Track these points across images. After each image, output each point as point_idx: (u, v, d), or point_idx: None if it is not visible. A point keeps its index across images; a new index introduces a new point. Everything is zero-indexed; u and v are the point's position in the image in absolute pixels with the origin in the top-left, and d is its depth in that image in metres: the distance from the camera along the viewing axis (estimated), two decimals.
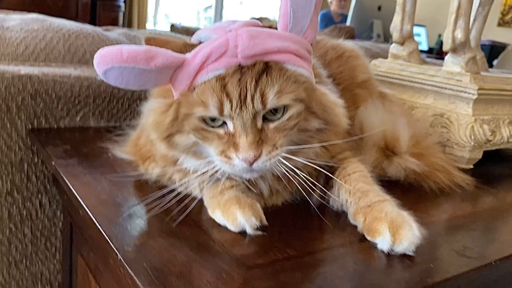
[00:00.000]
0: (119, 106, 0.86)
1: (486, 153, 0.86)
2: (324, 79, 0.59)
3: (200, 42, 0.49)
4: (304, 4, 0.47)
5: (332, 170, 0.58)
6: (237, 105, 0.45)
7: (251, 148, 0.46)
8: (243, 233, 0.49)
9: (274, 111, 0.47)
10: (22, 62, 0.82)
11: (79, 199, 0.53)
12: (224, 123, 0.47)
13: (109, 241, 0.44)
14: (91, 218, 0.48)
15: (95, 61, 0.44)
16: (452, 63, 0.89)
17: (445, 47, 0.88)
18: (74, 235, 0.76)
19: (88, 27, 0.94)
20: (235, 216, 0.48)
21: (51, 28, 0.89)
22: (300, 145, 0.50)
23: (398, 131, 0.70)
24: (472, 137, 0.82)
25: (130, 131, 0.69)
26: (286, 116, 0.47)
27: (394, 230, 0.48)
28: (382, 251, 0.48)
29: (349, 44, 0.79)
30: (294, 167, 0.50)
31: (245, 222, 0.48)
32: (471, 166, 0.85)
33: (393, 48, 1.01)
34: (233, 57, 0.45)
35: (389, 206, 0.51)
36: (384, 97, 0.84)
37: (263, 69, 0.46)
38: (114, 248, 0.43)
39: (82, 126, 0.83)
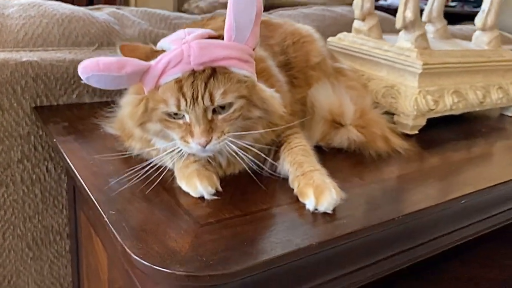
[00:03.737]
0: None
1: (433, 119, 0.99)
2: (273, 70, 0.72)
3: (163, 50, 0.61)
4: (246, 18, 0.59)
5: (280, 144, 0.72)
6: (191, 102, 0.58)
7: (203, 135, 0.59)
8: (202, 198, 0.63)
9: (222, 106, 0.60)
10: (23, 48, 0.94)
11: (75, 171, 0.67)
12: (183, 116, 0.61)
13: (97, 206, 0.59)
14: (85, 188, 0.63)
15: (79, 70, 0.57)
16: (404, 40, 1.00)
17: (397, 26, 0.99)
18: (77, 195, 0.92)
19: (78, 10, 1.05)
20: (195, 185, 0.62)
21: (46, 14, 1.00)
22: (246, 130, 0.64)
23: (343, 106, 0.83)
24: (415, 107, 0.94)
25: (117, 109, 0.83)
26: (231, 110, 0.61)
27: (318, 194, 0.62)
28: (309, 210, 0.63)
29: (305, 28, 0.90)
30: (244, 147, 0.64)
31: (203, 190, 0.62)
32: (416, 132, 0.98)
33: (356, 23, 1.11)
34: (187, 64, 0.58)
35: (318, 175, 0.65)
36: (340, 73, 0.96)
37: (211, 73, 0.59)
38: (101, 212, 0.58)
39: (78, 102, 0.97)
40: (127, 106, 0.64)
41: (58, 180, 0.99)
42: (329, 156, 0.82)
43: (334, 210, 0.62)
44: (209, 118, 0.60)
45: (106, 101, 0.99)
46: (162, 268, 0.49)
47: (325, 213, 0.62)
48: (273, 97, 0.64)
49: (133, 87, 0.65)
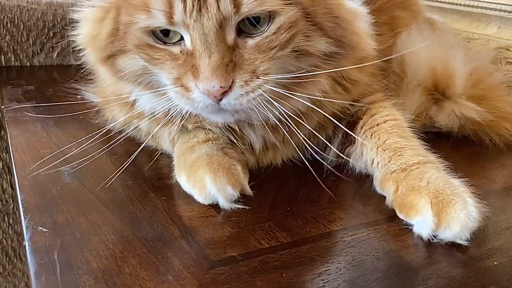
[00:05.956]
0: None
1: None
2: None
3: None
4: None
5: (356, 117, 0.42)
6: (193, 6, 0.29)
7: (216, 73, 0.30)
8: (216, 206, 0.34)
9: (255, 20, 0.31)
10: None
11: (10, 146, 0.40)
12: (180, 37, 0.32)
13: (22, 216, 0.31)
14: (13, 171, 0.36)
15: None
16: None
17: None
18: None
19: None
20: (203, 182, 0.34)
21: None
22: (298, 78, 0.34)
23: (452, 66, 0.52)
24: None
25: None
26: (273, 27, 0.31)
27: (439, 207, 0.32)
28: (421, 237, 0.33)
29: None
30: (293, 111, 0.35)
31: (217, 192, 0.33)
32: None
33: None
34: None
35: (433, 171, 0.35)
36: (432, 25, 0.65)
37: None
38: (24, 230, 0.30)
39: (61, 63, 0.70)
40: (86, 23, 0.36)
41: None
42: (427, 142, 0.51)
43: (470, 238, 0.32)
44: (229, 43, 0.31)
45: None
46: None
47: (452, 244, 0.32)
48: (357, 14, 0.34)
49: None
